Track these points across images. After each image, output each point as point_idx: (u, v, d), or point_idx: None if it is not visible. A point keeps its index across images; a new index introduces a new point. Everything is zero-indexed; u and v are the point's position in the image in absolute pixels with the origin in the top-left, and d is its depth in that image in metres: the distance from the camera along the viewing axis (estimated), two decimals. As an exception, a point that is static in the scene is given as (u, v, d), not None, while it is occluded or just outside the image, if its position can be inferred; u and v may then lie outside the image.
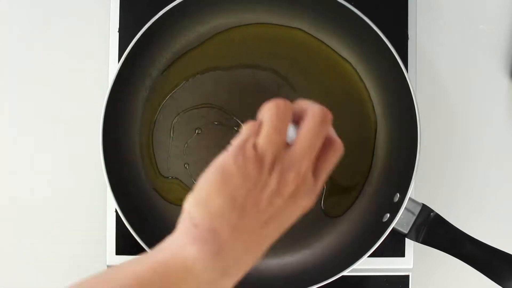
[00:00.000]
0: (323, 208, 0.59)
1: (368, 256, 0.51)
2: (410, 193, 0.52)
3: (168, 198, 0.58)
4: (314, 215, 0.59)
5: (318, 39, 0.59)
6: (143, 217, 0.56)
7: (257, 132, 0.35)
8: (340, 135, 0.39)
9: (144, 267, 0.34)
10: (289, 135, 0.37)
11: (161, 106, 0.59)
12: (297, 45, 0.59)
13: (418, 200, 0.53)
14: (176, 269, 0.34)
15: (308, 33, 0.59)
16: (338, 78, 0.59)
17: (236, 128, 0.58)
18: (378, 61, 0.57)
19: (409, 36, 0.59)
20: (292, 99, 0.37)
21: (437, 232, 0.52)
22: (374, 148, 0.59)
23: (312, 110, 0.36)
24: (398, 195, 0.53)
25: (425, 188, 0.59)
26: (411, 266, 0.58)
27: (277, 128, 0.35)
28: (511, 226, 0.63)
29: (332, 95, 0.59)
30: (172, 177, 0.58)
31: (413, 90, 0.52)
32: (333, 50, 0.59)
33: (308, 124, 0.36)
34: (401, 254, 0.58)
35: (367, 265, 0.57)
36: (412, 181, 0.51)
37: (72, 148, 0.62)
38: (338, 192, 0.59)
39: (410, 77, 0.52)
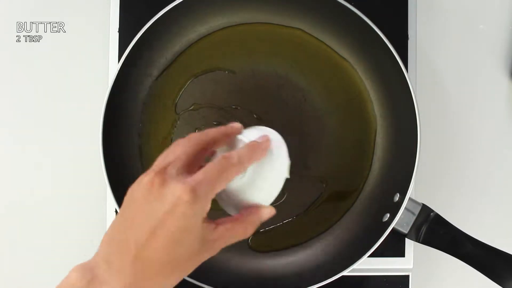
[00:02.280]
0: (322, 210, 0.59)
1: (368, 256, 0.51)
2: (410, 193, 0.52)
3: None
4: (315, 215, 0.59)
5: (318, 39, 0.59)
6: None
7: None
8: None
9: None
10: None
11: (161, 106, 0.59)
12: (297, 45, 0.59)
13: (418, 200, 0.53)
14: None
15: (308, 33, 0.59)
16: (338, 78, 0.59)
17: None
18: (378, 61, 0.57)
19: (409, 36, 0.59)
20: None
21: (437, 232, 0.52)
22: (374, 148, 0.59)
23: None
24: (398, 195, 0.53)
25: (425, 188, 0.59)
26: (411, 266, 0.58)
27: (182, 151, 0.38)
28: (511, 226, 0.63)
29: (332, 95, 0.59)
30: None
31: (413, 90, 0.52)
32: (333, 50, 0.59)
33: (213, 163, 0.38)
34: (401, 254, 0.58)
35: (367, 265, 0.57)
36: (412, 181, 0.51)
37: (72, 148, 0.62)
38: (338, 193, 0.59)
39: (410, 77, 0.52)
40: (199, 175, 0.36)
